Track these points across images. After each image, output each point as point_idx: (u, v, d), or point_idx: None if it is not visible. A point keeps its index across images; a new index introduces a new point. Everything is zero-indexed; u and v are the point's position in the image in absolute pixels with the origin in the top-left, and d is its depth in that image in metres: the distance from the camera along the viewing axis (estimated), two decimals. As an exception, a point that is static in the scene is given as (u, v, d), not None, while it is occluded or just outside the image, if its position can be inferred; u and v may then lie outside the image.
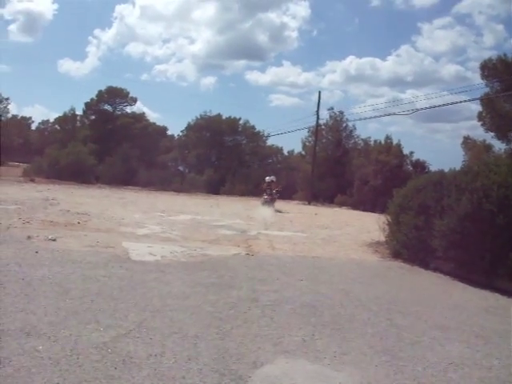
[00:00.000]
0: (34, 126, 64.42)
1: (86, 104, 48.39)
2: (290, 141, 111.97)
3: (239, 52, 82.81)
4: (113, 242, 9.04)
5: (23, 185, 23.44)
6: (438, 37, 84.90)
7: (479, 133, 57.60)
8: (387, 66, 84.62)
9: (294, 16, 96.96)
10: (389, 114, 34.12)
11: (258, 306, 5.79)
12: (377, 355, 4.54)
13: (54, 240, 8.54)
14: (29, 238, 8.50)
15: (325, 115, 41.47)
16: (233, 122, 50.03)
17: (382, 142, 36.88)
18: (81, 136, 45.10)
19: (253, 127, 50.71)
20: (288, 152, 56.23)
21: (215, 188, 37.82)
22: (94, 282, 6.08)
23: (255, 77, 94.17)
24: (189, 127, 50.84)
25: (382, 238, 11.40)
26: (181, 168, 51.24)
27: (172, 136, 55.14)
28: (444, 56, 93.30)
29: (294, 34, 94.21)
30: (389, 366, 4.31)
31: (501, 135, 29.41)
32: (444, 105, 31.79)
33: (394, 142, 35.98)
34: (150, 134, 47.74)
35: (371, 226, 13.39)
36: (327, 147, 41.06)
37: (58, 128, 52.42)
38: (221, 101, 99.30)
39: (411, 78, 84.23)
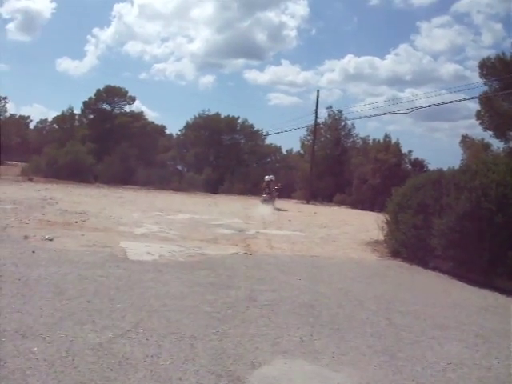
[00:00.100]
0: (32, 125, 64.32)
1: (85, 103, 48.22)
2: (289, 140, 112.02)
3: (238, 51, 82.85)
4: (110, 241, 9.01)
5: (21, 184, 23.38)
6: (436, 36, 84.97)
7: (477, 131, 57.55)
8: (386, 64, 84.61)
9: (293, 15, 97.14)
10: (388, 113, 34.18)
11: (256, 305, 5.76)
12: (376, 355, 4.51)
13: (51, 240, 8.50)
14: (26, 237, 8.46)
15: (323, 114, 41.67)
16: (231, 121, 49.97)
17: (381, 140, 36.95)
18: (79, 135, 44.97)
19: (251, 126, 50.76)
20: (287, 151, 56.37)
21: (214, 187, 37.81)
22: (91, 282, 6.04)
23: (254, 76, 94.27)
24: (187, 126, 50.79)
25: (381, 237, 11.37)
26: (179, 167, 51.23)
27: (170, 135, 55.09)
28: (443, 55, 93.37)
29: (293, 33, 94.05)
30: (388, 366, 4.28)
31: (499, 134, 29.40)
32: (443, 103, 31.80)
33: (393, 140, 36.09)
34: (148, 133, 47.58)
35: (370, 224, 13.36)
36: (326, 146, 41.05)
37: (57, 127, 52.15)
38: (219, 100, 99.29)
39: (410, 77, 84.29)
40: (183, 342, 4.31)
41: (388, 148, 34.80)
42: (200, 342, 4.36)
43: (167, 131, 54.87)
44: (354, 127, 41.89)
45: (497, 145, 32.22)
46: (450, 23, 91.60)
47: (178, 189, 32.44)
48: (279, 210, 21.41)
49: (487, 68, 28.22)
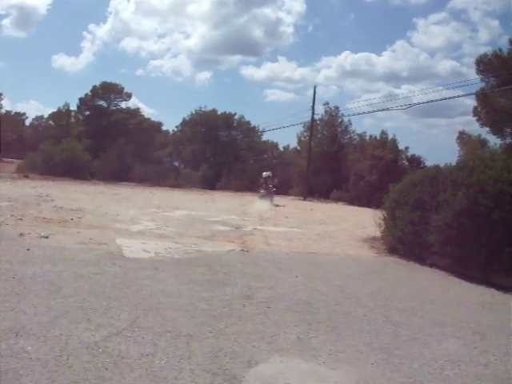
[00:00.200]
0: (27, 122, 64.03)
1: (81, 99, 47.96)
2: (286, 136, 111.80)
3: (234, 47, 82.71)
4: (106, 238, 8.96)
5: (17, 181, 23.28)
6: (433, 32, 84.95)
7: (474, 128, 57.56)
8: (383, 61, 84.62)
9: (290, 11, 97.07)
10: (384, 109, 34.15)
11: (253, 303, 5.72)
12: (373, 353, 4.48)
13: (47, 237, 8.45)
14: (21, 235, 8.40)
15: (320, 110, 41.47)
16: (228, 118, 49.87)
17: (378, 137, 36.94)
18: (75, 132, 44.78)
19: (248, 122, 50.63)
20: (283, 147, 56.40)
21: (210, 183, 37.72)
22: (86, 279, 5.99)
23: (250, 72, 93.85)
24: (184, 122, 50.71)
25: (378, 234, 11.35)
26: (176, 163, 51.09)
27: (167, 131, 54.91)
28: (439, 51, 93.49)
29: (290, 30, 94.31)
30: (385, 363, 4.26)
31: (496, 130, 29.41)
32: (440, 100, 31.70)
33: (390, 137, 36.05)
34: (145, 130, 47.40)
35: (367, 221, 13.36)
36: (323, 142, 41.05)
37: (52, 124, 51.98)
38: (216, 96, 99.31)
39: (406, 74, 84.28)
40: (179, 341, 4.27)
41: (385, 144, 34.79)
42: (196, 341, 4.32)
43: (164, 128, 54.68)
44: (350, 124, 41.95)
45: (494, 141, 32.15)
46: (447, 20, 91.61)
47: (175, 185, 32.33)
48: (277, 205, 21.49)
49: (484, 64, 28.20)
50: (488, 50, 49.17)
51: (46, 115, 59.19)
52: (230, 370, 3.80)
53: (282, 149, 56.28)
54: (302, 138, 42.79)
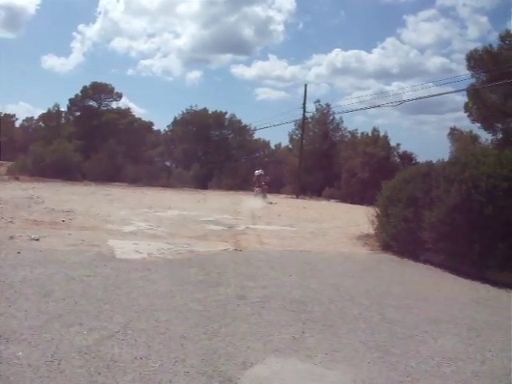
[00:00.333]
0: (17, 124, 63.58)
1: (71, 100, 47.65)
2: (277, 134, 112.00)
3: (225, 46, 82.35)
4: (98, 240, 8.87)
5: (7, 183, 23.10)
6: (423, 29, 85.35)
7: (465, 124, 57.93)
8: (373, 58, 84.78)
9: (280, 9, 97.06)
10: (375, 106, 34.15)
11: (247, 303, 5.67)
12: (369, 351, 4.45)
13: (38, 240, 8.35)
14: (11, 238, 8.30)
15: (311, 108, 41.47)
16: (219, 116, 49.77)
17: (369, 134, 37.01)
18: (66, 133, 44.52)
19: (239, 121, 50.63)
20: (275, 146, 56.42)
21: (202, 183, 37.67)
22: (78, 282, 5.91)
23: (241, 71, 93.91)
24: (175, 122, 50.61)
25: (371, 231, 11.33)
26: (167, 163, 51.01)
27: (158, 131, 54.79)
28: (429, 48, 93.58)
29: (280, 28, 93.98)
30: (382, 362, 4.22)
31: (487, 126, 29.53)
32: (430, 96, 31.76)
33: (381, 134, 36.14)
34: (135, 130, 47.20)
35: (360, 218, 13.35)
36: (314, 140, 41.07)
37: (43, 125, 51.70)
38: (207, 95, 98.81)
39: (397, 71, 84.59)
40: (173, 343, 4.21)
41: (376, 141, 34.88)
42: (190, 342, 4.26)
43: (155, 127, 54.52)
44: (342, 121, 42.01)
45: (485, 137, 32.34)
46: (436, 17, 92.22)
47: (167, 185, 32.27)
48: (270, 203, 21.59)
49: (475, 60, 28.28)
50: (477, 46, 49.39)
51: (36, 116, 59.09)
52: (224, 371, 3.74)
53: (273, 147, 56.40)
54: (294, 136, 42.89)
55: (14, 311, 4.64)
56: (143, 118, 53.28)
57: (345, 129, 42.42)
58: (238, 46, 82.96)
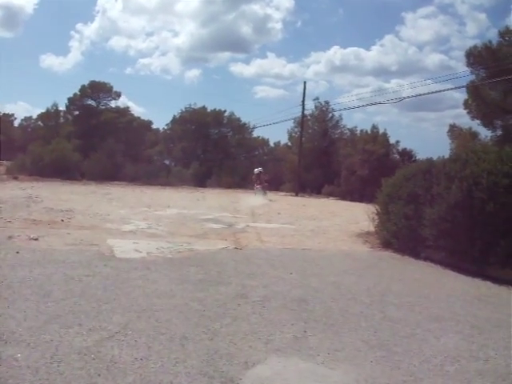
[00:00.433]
0: (16, 123, 63.41)
1: (69, 99, 47.50)
2: (276, 132, 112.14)
3: (223, 44, 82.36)
4: (97, 239, 8.82)
5: (6, 183, 23.01)
6: (421, 26, 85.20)
7: (464, 121, 57.94)
8: (371, 55, 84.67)
9: (278, 7, 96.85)
10: (374, 103, 34.18)
11: (248, 302, 5.63)
12: (371, 350, 4.41)
13: (36, 239, 8.30)
14: (10, 237, 8.26)
15: (310, 106, 41.35)
16: (218, 115, 49.62)
17: (369, 131, 36.93)
18: (64, 132, 44.38)
19: (238, 119, 50.39)
20: (274, 143, 56.36)
21: (201, 181, 37.53)
22: (77, 282, 5.86)
23: (240, 69, 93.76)
24: (174, 120, 50.40)
25: (372, 229, 11.30)
26: (167, 162, 50.81)
27: (157, 130, 54.59)
28: (428, 45, 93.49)
29: (278, 26, 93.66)
30: (385, 361, 4.18)
31: (487, 122, 29.44)
32: (429, 93, 31.82)
33: (381, 131, 36.05)
34: (134, 129, 47.09)
35: (360, 216, 13.31)
36: (313, 138, 40.96)
37: (41, 124, 51.55)
38: (205, 93, 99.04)
39: (395, 68, 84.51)
40: (173, 343, 4.17)
41: (376, 139, 34.79)
42: (191, 343, 4.22)
43: (154, 126, 54.32)
44: (341, 118, 41.92)
45: (484, 133, 32.26)
46: (435, 14, 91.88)
47: (166, 184, 32.18)
48: (270, 200, 21.64)
49: (474, 57, 28.18)
50: (476, 43, 49.35)
51: (34, 116, 58.78)
52: (226, 372, 3.70)
53: (272, 145, 56.33)
54: (293, 134, 42.77)
55: (12, 312, 4.60)
56: (142, 117, 53.20)
57: (344, 126, 42.35)
58: (236, 44, 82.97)
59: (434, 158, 10.82)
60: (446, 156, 10.71)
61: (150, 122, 53.48)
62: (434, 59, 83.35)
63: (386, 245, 10.21)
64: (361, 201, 23.23)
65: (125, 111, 49.06)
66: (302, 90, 35.59)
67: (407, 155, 33.76)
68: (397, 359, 4.24)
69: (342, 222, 14.66)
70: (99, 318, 4.63)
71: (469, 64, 28.61)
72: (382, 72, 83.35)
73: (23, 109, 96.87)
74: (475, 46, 28.74)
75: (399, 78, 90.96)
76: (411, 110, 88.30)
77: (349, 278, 7.44)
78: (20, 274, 6.01)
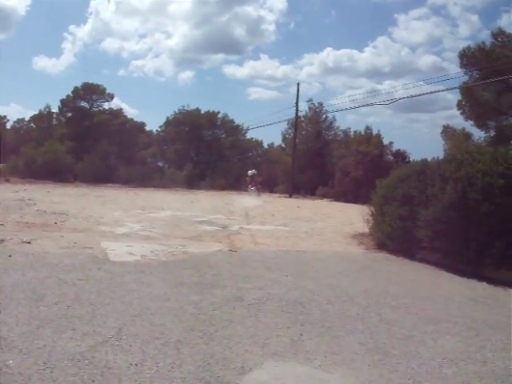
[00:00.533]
0: (9, 125, 62.91)
1: (62, 101, 47.33)
2: (270, 134, 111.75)
3: (216, 46, 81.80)
4: (91, 242, 8.74)
5: (-2, 185, 22.87)
6: (414, 28, 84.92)
7: (457, 122, 58.06)
8: (364, 57, 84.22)
9: (271, 9, 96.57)
10: (367, 105, 34.27)
11: (243, 305, 5.58)
12: (369, 353, 4.37)
13: (29, 243, 8.21)
14: (2, 241, 8.15)
15: (304, 107, 41.38)
16: (211, 116, 49.57)
17: (362, 132, 36.97)
18: (57, 134, 44.22)
19: (232, 121, 50.38)
20: (268, 145, 56.21)
21: (195, 183, 37.44)
22: (71, 286, 5.79)
23: (233, 70, 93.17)
24: (167, 122, 50.26)
25: (366, 230, 11.29)
26: (160, 164, 50.69)
27: (150, 131, 54.40)
28: (420, 47, 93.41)
29: (271, 27, 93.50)
30: (382, 364, 4.14)
31: (480, 123, 29.55)
32: (422, 94, 31.78)
33: (374, 132, 36.10)
34: (128, 130, 46.94)
35: (354, 217, 13.30)
36: (307, 139, 40.98)
37: (34, 126, 51.35)
38: (199, 95, 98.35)
39: (388, 69, 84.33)
40: (168, 348, 4.11)
41: (369, 140, 34.81)
42: (186, 347, 4.16)
43: (147, 128, 54.13)
44: (335, 120, 41.98)
45: (478, 134, 32.37)
46: (428, 15, 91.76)
47: (160, 186, 32.12)
48: (264, 202, 21.64)
49: (467, 58, 28.29)
50: (468, 44, 49.60)
51: (27, 118, 58.44)
52: (222, 377, 3.65)
53: (266, 147, 56.20)
54: (287, 136, 42.79)
55: (4, 317, 4.51)
56: (135, 119, 52.97)
57: (338, 127, 42.41)
58: (229, 46, 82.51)
59: (428, 159, 10.77)
60: (440, 157, 10.69)
61: (144, 124, 53.34)
62: (426, 60, 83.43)
63: (381, 246, 10.19)
64: (355, 202, 23.23)
65: (118, 113, 48.92)
66: (296, 92, 35.68)
67: (401, 156, 33.82)
68: (395, 362, 4.20)
69: (336, 224, 14.63)
70: (93, 323, 4.56)
71: (462, 65, 28.76)
72: (374, 73, 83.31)
73: (16, 111, 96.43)
74: (468, 47, 28.91)
75: (392, 80, 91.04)
76: (404, 111, 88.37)
77: (344, 279, 7.41)
78: (12, 277, 5.92)
